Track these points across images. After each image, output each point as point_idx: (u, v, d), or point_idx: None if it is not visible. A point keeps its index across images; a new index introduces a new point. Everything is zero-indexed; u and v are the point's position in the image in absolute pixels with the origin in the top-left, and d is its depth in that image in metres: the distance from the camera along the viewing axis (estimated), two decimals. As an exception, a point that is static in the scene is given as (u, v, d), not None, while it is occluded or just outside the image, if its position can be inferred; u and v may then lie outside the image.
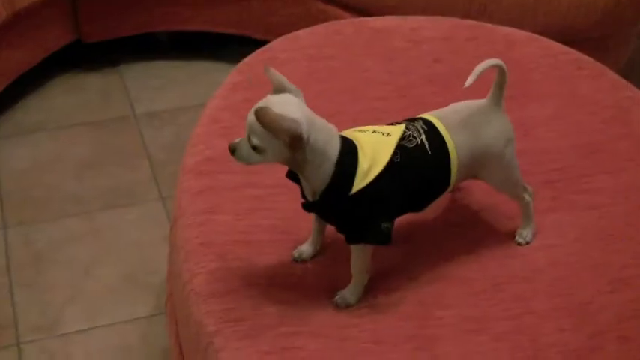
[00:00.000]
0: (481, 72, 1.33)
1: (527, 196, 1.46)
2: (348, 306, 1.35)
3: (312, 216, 1.40)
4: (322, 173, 1.27)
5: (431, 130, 1.35)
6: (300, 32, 1.94)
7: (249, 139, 1.26)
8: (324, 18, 2.36)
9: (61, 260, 2.09)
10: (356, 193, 1.27)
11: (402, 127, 1.34)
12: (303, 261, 1.42)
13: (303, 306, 1.35)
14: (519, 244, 1.47)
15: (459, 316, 1.35)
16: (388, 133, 1.32)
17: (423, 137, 1.34)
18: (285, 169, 1.34)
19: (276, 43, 1.91)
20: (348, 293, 1.36)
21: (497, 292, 1.39)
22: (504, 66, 1.37)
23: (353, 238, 1.33)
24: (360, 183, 1.27)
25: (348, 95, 1.78)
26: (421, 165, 1.33)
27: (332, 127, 1.30)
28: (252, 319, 1.32)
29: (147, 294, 2.01)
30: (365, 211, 1.29)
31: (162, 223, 2.17)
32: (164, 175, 2.30)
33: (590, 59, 1.90)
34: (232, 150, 1.29)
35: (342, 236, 1.34)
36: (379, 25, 1.98)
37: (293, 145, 1.23)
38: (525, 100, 1.76)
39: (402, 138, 1.33)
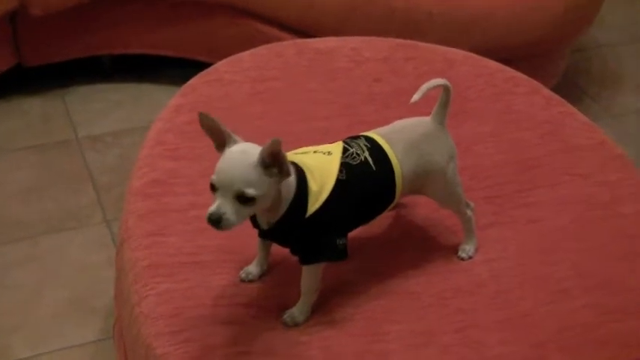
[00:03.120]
0: (427, 90, 1.37)
1: (469, 212, 1.50)
2: (296, 325, 1.37)
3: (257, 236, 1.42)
4: (283, 202, 1.28)
5: (374, 146, 1.38)
6: (243, 54, 1.97)
7: (237, 196, 1.22)
8: (265, 39, 2.38)
9: (6, 286, 2.07)
10: (310, 216, 1.29)
11: (340, 143, 1.38)
12: (251, 281, 1.43)
13: (253, 326, 1.36)
14: (462, 259, 1.50)
15: (406, 330, 1.38)
16: (329, 152, 1.35)
17: (367, 154, 1.37)
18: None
19: (220, 65, 1.93)
20: (297, 312, 1.37)
21: (442, 306, 1.42)
22: (450, 86, 1.40)
23: (309, 258, 1.35)
24: (312, 206, 1.29)
25: (292, 115, 1.80)
26: (367, 180, 1.36)
27: None
28: (202, 340, 1.33)
29: (94, 318, 2.00)
30: (320, 232, 1.31)
31: (107, 245, 2.17)
32: (109, 198, 2.30)
33: (526, 77, 1.96)
34: (217, 220, 1.24)
35: (290, 256, 1.36)
36: (321, 46, 2.01)
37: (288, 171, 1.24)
38: (464, 118, 1.80)
39: (346, 156, 1.35)
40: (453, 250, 1.52)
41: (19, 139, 2.49)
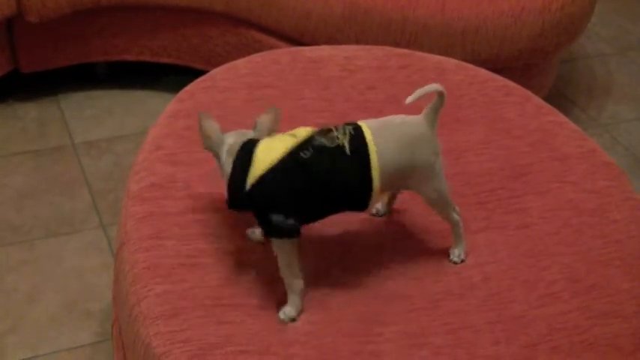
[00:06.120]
0: (423, 94, 1.38)
1: (456, 215, 1.52)
2: (292, 320, 1.40)
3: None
4: (225, 176, 1.40)
5: (357, 134, 1.39)
6: (239, 61, 1.99)
7: None
8: (260, 47, 2.42)
9: (1, 289, 2.09)
10: (250, 190, 1.35)
11: (310, 128, 1.40)
12: (258, 242, 1.50)
13: (250, 325, 1.39)
14: (455, 262, 1.53)
15: (400, 331, 1.40)
16: (295, 135, 1.39)
17: (347, 140, 1.38)
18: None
19: (216, 72, 1.95)
20: (289, 307, 1.40)
21: (435, 309, 1.45)
22: (445, 93, 1.41)
23: (266, 232, 1.40)
24: (250, 180, 1.36)
25: (285, 122, 1.81)
26: (333, 164, 1.37)
27: (241, 138, 1.42)
28: (200, 340, 1.36)
29: (89, 321, 2.03)
30: (261, 206, 1.37)
31: (103, 250, 2.19)
32: (104, 203, 2.32)
33: (517, 86, 1.99)
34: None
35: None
36: (315, 54, 2.03)
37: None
38: (456, 126, 1.83)
39: (327, 137, 1.38)
40: (444, 254, 1.55)
41: (14, 144, 2.51)
